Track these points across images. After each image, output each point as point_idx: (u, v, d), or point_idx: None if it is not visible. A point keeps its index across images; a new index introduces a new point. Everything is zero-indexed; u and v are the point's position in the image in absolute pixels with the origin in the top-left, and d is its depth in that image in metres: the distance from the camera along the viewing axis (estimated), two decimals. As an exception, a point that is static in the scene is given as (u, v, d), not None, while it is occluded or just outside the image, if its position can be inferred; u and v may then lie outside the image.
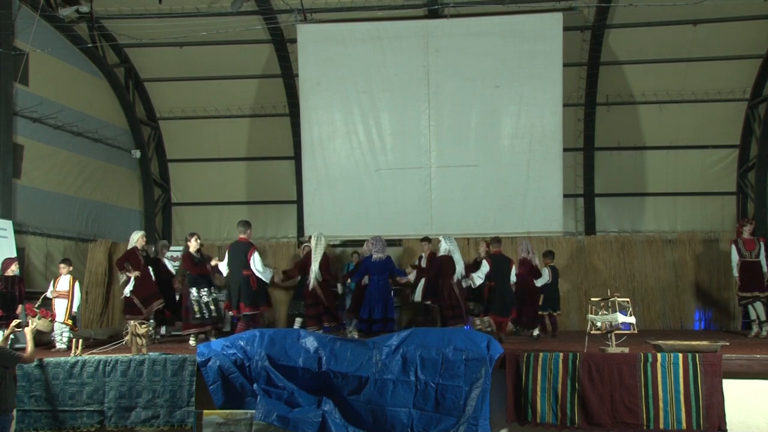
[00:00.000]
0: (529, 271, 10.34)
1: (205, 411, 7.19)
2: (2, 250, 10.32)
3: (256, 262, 9.09)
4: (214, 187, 15.58)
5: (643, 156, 14.57)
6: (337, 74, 13.32)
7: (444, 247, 9.72)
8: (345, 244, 14.18)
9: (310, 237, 10.45)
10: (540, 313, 10.90)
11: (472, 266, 10.72)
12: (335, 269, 11.53)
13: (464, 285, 9.92)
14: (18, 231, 11.34)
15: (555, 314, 11.18)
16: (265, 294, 9.75)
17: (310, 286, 9.74)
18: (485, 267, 9.79)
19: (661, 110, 14.26)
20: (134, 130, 15.03)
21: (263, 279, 9.26)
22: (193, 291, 9.49)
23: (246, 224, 9.44)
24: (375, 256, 9.75)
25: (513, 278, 9.94)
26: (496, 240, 10.26)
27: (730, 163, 14.32)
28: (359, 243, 13.24)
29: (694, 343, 6.94)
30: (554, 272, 11.08)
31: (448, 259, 9.63)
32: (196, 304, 9.44)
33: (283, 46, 14.18)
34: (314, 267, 9.69)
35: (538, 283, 10.57)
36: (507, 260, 9.99)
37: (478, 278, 9.77)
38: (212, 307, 9.55)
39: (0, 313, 8.99)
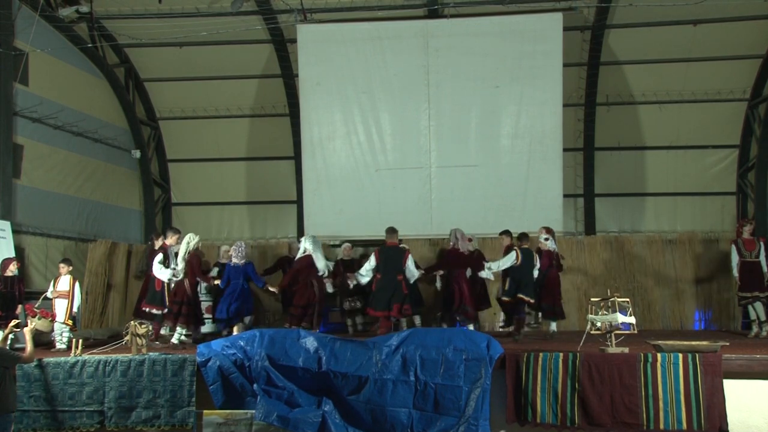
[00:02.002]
0: (457, 261, 9.93)
1: (205, 411, 7.20)
2: (1, 250, 10.32)
3: (153, 264, 9.40)
4: (214, 187, 15.56)
5: (643, 156, 14.55)
6: (337, 74, 13.32)
7: (303, 247, 9.79)
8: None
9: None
10: (504, 299, 10.07)
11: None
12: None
13: (353, 283, 10.03)
14: (18, 231, 11.33)
15: (525, 299, 9.83)
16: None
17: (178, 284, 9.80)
18: (371, 261, 9.56)
19: (661, 110, 14.24)
20: (134, 130, 15.00)
21: (162, 279, 9.45)
22: None
23: (170, 230, 9.76)
24: (233, 261, 10.15)
25: (414, 272, 9.58)
26: (391, 230, 9.83)
27: (730, 163, 14.30)
28: (360, 243, 13.25)
29: (694, 343, 6.94)
30: (526, 255, 9.91)
31: (309, 258, 9.64)
32: None
33: (283, 46, 14.17)
34: (179, 265, 9.68)
35: (501, 265, 9.89)
36: (400, 252, 9.64)
37: (360, 276, 9.63)
38: None
39: (-1, 313, 9.02)
